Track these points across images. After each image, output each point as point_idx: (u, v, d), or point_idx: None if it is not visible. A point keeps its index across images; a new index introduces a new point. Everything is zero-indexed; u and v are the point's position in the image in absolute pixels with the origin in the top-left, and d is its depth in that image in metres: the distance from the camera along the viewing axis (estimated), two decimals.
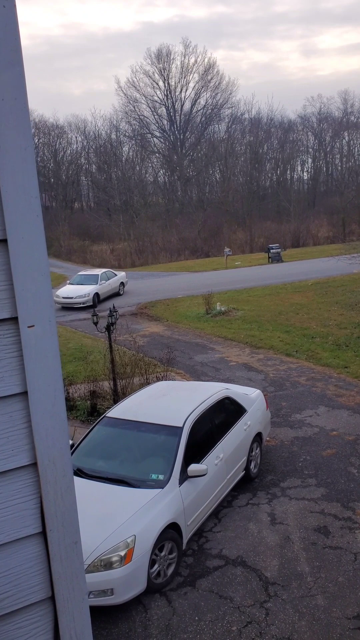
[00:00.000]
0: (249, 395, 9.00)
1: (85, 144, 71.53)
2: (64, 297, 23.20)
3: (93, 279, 24.82)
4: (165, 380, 11.50)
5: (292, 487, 8.19)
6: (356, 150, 75.85)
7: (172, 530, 6.28)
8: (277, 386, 12.74)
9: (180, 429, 7.08)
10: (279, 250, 41.10)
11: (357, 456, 9.09)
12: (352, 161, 75.04)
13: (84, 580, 1.47)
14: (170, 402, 8.05)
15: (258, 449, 8.70)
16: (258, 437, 8.68)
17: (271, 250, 40.83)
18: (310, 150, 77.05)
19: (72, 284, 24.57)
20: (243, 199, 62.92)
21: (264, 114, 73.93)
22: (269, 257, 40.75)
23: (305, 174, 78.50)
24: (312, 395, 12.06)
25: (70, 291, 23.71)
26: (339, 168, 77.06)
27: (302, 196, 71.25)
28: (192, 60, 72.38)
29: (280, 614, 5.74)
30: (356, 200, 52.56)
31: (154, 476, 6.66)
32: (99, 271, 26.24)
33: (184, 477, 6.67)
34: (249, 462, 8.27)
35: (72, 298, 23.21)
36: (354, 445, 9.49)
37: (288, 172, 75.03)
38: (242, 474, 8.14)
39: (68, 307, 23.21)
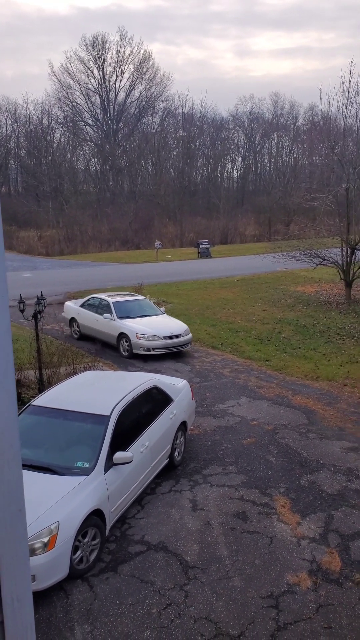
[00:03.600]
0: (175, 385, 9.19)
1: (15, 127, 69.25)
2: (165, 337, 14.56)
3: (150, 307, 16.62)
4: (93, 370, 11.48)
5: (213, 475, 8.46)
6: (284, 151, 78.13)
7: (95, 517, 6.34)
8: (202, 377, 13.04)
9: (108, 417, 7.14)
10: (208, 246, 41.81)
11: (275, 445, 9.51)
12: (279, 162, 77.21)
13: (26, 546, 1.54)
14: (97, 391, 8.09)
15: (182, 437, 8.91)
16: (183, 426, 8.89)
17: (201, 246, 41.48)
18: (241, 149, 78.63)
19: (129, 317, 15.49)
20: (174, 193, 63.26)
21: (197, 110, 74.84)
22: (198, 252, 41.35)
23: (235, 172, 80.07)
24: (235, 386, 12.44)
25: (164, 327, 15.02)
26: (268, 168, 79.07)
27: (232, 194, 72.59)
28: (128, 50, 72.06)
29: (199, 596, 5.95)
30: (282, 201, 54.15)
31: (79, 464, 6.69)
32: (138, 297, 17.49)
33: (110, 464, 6.75)
34: (173, 450, 8.46)
35: (179, 337, 14.79)
36: (272, 435, 9.92)
37: (219, 169, 76.19)
38: (166, 461, 8.32)
39: (157, 353, 14.53)
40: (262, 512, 7.49)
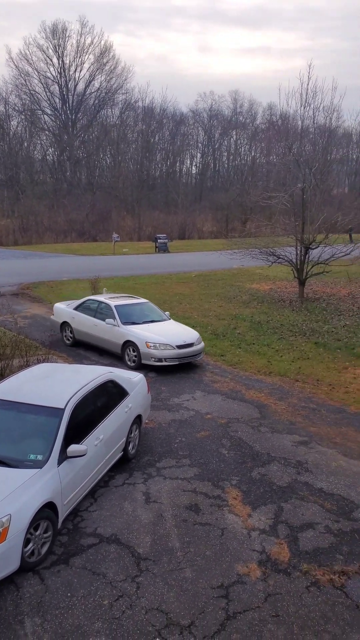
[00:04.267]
0: (131, 379, 9.20)
1: None
2: (178, 346, 13.21)
3: (155, 312, 15.11)
4: (47, 362, 11.35)
5: (167, 467, 8.52)
6: (242, 149, 78.90)
7: (48, 510, 6.30)
8: (158, 371, 13.07)
9: (62, 410, 7.09)
10: (166, 240, 41.90)
11: (228, 438, 9.66)
12: (238, 160, 77.95)
13: None
14: (52, 383, 8.01)
15: (137, 430, 8.93)
16: (138, 419, 8.91)
17: (158, 240, 41.53)
18: (200, 145, 78.95)
19: (134, 323, 14.01)
20: (133, 186, 63.02)
21: (157, 104, 74.42)
22: (156, 247, 41.37)
23: (193, 168, 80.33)
24: (190, 380, 12.55)
25: (175, 335, 13.68)
26: (226, 165, 79.72)
27: (190, 189, 72.88)
28: (89, 40, 71.24)
29: (151, 587, 6.00)
30: (240, 199, 54.70)
31: (32, 456, 6.62)
32: (141, 300, 15.76)
33: (64, 457, 6.71)
34: (127, 443, 8.47)
35: (192, 345, 13.52)
36: (225, 428, 10.07)
37: (178, 164, 76.29)
38: (120, 454, 8.33)
39: (169, 365, 13.12)
40: (214, 504, 7.61)
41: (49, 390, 7.66)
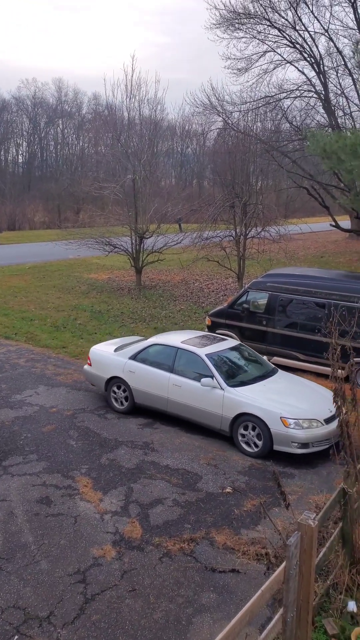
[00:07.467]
0: None
1: None
2: (326, 420, 8.67)
3: (255, 359, 10.45)
4: None
5: (13, 465, 8.32)
6: (70, 139, 77.73)
7: None
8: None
9: None
10: None
11: (75, 429, 9.68)
12: (66, 149, 76.65)
13: None
14: None
15: None
16: None
17: None
18: (25, 133, 76.14)
19: (243, 382, 9.45)
20: None
21: None
22: None
23: (20, 157, 77.30)
24: (31, 375, 12.27)
25: (314, 401, 9.16)
26: (54, 155, 77.96)
27: (18, 179, 70.03)
28: None
29: (5, 586, 5.88)
30: (71, 189, 53.93)
31: None
32: (230, 341, 10.68)
33: None
34: None
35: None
36: (72, 419, 10.07)
37: (2, 153, 72.83)
38: None
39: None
40: (65, 495, 7.63)
41: None
